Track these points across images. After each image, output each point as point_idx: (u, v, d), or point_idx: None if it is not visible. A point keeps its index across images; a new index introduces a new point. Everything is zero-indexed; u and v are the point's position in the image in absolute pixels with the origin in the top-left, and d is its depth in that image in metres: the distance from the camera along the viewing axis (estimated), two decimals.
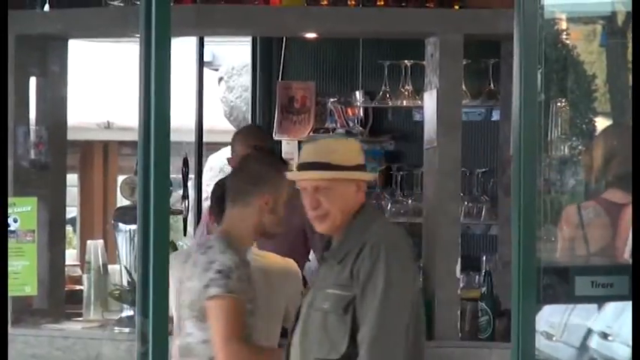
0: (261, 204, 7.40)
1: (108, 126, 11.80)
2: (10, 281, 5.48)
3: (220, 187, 7.93)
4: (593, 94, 6.82)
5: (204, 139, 11.24)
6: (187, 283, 7.61)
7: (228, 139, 9.55)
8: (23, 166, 7.30)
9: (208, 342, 7.55)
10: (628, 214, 6.52)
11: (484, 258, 7.79)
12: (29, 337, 6.98)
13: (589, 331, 6.20)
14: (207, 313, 7.46)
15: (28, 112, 7.72)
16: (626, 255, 6.37)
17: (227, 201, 7.47)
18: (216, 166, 10.89)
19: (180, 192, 8.76)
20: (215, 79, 12.87)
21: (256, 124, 10.11)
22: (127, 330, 6.47)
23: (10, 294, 6.25)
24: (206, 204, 9.04)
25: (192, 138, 10.41)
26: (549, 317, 5.93)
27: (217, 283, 7.30)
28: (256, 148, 8.24)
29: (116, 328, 6.97)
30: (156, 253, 5.18)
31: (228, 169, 8.33)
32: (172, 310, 7.27)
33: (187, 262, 7.62)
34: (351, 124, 9.96)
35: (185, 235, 8.92)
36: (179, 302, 7.52)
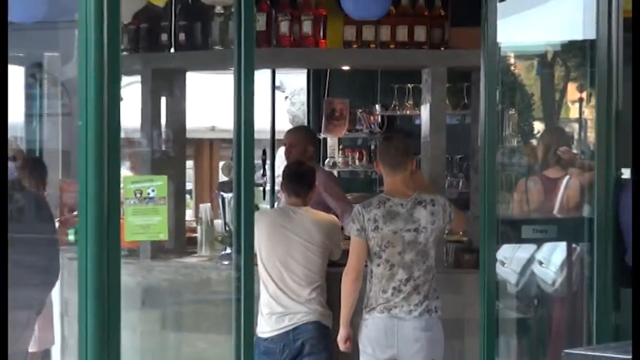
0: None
1: (213, 129, 11.60)
2: (149, 231, 5.38)
3: (286, 170, 7.50)
4: (532, 106, 6.80)
5: (276, 137, 11.10)
6: None
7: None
8: (157, 156, 7.23)
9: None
10: (557, 185, 6.91)
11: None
12: (162, 267, 6.91)
13: (528, 261, 6.19)
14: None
15: (160, 120, 7.61)
16: (555, 211, 6.26)
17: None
18: (283, 155, 10.82)
19: (261, 172, 8.58)
20: (282, 98, 12.71)
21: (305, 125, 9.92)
22: (226, 262, 6.37)
23: (148, 239, 6.11)
24: (278, 180, 8.86)
25: (268, 136, 10.25)
26: (503, 252, 5.86)
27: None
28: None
29: (219, 261, 6.88)
30: (245, 211, 5.48)
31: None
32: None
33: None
34: (372, 127, 9.82)
35: (264, 199, 8.76)
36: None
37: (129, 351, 5.43)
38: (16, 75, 9.39)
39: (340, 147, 10.34)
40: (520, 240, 6.33)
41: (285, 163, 8.53)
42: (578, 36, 6.04)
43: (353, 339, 6.49)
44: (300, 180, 7.20)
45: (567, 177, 6.42)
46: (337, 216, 7.34)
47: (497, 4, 5.72)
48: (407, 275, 6.32)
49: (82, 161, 5.14)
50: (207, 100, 8.89)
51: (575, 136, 6.70)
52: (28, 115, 9.31)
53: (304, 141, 8.16)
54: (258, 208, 6.14)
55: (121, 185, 5.25)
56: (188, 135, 8.57)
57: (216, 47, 7.22)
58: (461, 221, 6.69)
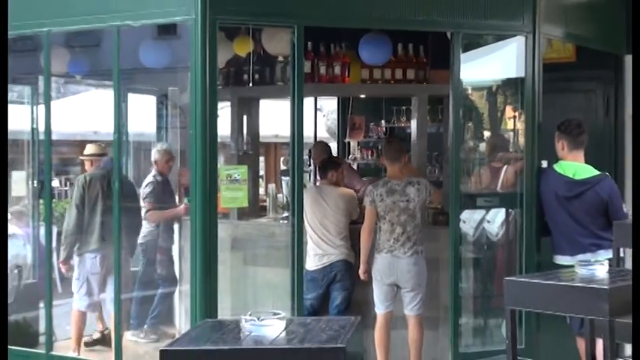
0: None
1: (276, 136, 11.52)
2: (235, 201, 5.41)
3: (325, 162, 7.43)
4: (482, 121, 6.71)
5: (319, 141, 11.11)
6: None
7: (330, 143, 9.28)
8: (241, 153, 7.29)
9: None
10: (499, 172, 6.67)
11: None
12: (244, 224, 6.85)
13: (481, 220, 6.15)
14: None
15: (243, 131, 7.62)
16: (498, 189, 6.54)
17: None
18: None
19: (307, 164, 8.55)
20: (321, 116, 12.65)
21: (324, 141, 9.92)
22: (285, 221, 6.39)
23: (235, 206, 6.12)
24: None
25: (312, 141, 10.21)
26: (464, 215, 5.87)
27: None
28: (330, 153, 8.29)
29: (281, 220, 6.91)
30: (297, 189, 5.50)
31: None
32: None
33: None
34: (379, 134, 9.71)
35: (309, 181, 8.73)
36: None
37: (223, 279, 5.47)
38: (151, 102, 9.40)
39: (359, 147, 10.29)
40: (475, 207, 6.24)
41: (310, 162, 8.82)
42: (513, 75, 6.00)
43: (368, 271, 6.52)
44: (330, 168, 7.16)
45: (506, 166, 6.41)
46: (357, 191, 7.40)
47: (461, 55, 5.62)
48: (402, 230, 6.36)
49: (193, 156, 5.19)
50: (273, 117, 8.91)
51: (511, 140, 6.67)
52: (159, 128, 9.27)
53: (320, 150, 8.23)
54: (305, 187, 6.19)
55: (218, 171, 5.29)
56: (260, 140, 8.58)
57: (279, 83, 7.23)
58: (438, 196, 6.67)
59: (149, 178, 7.70)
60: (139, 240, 7.63)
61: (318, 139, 10.77)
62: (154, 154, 7.81)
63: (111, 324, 6.78)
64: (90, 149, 7.36)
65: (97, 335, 7.07)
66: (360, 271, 6.52)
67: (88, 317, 7.06)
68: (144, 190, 7.58)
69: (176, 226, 7.52)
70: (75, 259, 6.97)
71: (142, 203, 7.67)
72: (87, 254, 6.88)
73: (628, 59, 6.76)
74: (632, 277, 3.13)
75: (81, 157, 7.35)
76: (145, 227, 7.62)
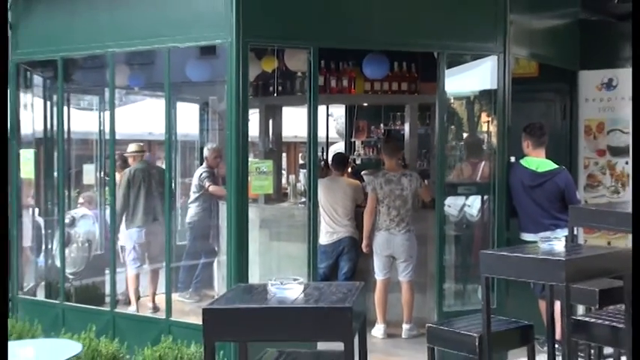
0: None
1: (295, 137, 11.47)
2: (263, 189, 5.39)
3: (335, 157, 7.46)
4: (462, 125, 6.64)
5: (330, 141, 11.00)
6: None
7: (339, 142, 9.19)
8: (267, 150, 7.25)
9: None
10: (477, 166, 6.52)
11: (426, 181, 7.52)
12: (269, 207, 6.86)
13: (462, 205, 6.05)
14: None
15: (269, 132, 7.60)
16: (477, 179, 6.39)
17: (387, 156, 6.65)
18: (332, 151, 10.73)
19: (322, 159, 8.51)
20: (332, 120, 12.60)
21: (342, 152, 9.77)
22: (303, 205, 6.34)
23: (263, 193, 6.10)
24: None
25: (324, 140, 10.19)
26: (448, 200, 5.95)
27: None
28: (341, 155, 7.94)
29: (300, 204, 6.91)
30: (312, 179, 5.43)
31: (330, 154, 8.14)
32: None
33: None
34: (379, 135, 9.65)
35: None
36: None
37: (252, 252, 5.45)
38: (195, 109, 9.35)
39: (362, 145, 10.22)
40: (457, 194, 6.12)
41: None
42: (487, 87, 5.90)
43: (370, 245, 6.49)
44: (340, 163, 7.21)
45: (483, 162, 6.37)
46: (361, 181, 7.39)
47: (445, 70, 5.56)
48: (397, 212, 6.37)
49: (228, 153, 5.16)
50: (293, 121, 8.87)
51: (485, 140, 6.60)
52: (201, 130, 9.23)
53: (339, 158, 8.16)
54: (320, 177, 6.19)
55: (248, 165, 5.21)
56: (283, 140, 8.52)
57: (298, 93, 7.20)
58: (427, 193, 6.55)
59: (201, 169, 7.65)
60: (187, 220, 7.67)
61: (330, 143, 10.77)
62: (205, 152, 7.73)
63: (154, 285, 6.94)
64: (131, 148, 7.31)
65: (147, 295, 7.05)
66: (363, 245, 6.50)
67: (141, 279, 7.08)
68: (200, 177, 7.56)
69: (215, 209, 7.46)
70: (125, 233, 7.04)
71: (193, 189, 7.67)
72: (134, 229, 6.97)
73: (581, 74, 6.69)
74: (632, 275, 3.01)
75: (125, 154, 7.34)
76: (192, 210, 7.60)
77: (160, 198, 6.82)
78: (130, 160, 7.30)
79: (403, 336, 6.30)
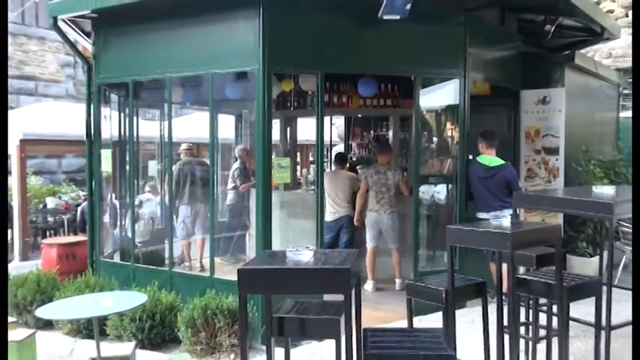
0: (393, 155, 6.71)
1: (307, 140, 11.43)
2: (282, 179, 5.36)
3: (337, 156, 7.34)
4: (432, 132, 6.56)
5: (332, 143, 10.90)
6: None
7: (339, 144, 9.02)
8: (285, 150, 7.17)
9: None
10: (443, 162, 6.74)
11: (405, 174, 7.39)
12: (287, 193, 6.82)
13: (433, 192, 6.01)
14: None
15: (287, 137, 7.52)
16: (444, 172, 6.19)
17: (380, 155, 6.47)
18: (335, 151, 10.63)
19: (327, 158, 8.46)
20: (334, 128, 12.50)
21: (342, 152, 9.60)
22: (312, 192, 6.24)
23: (282, 182, 6.08)
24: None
25: (328, 143, 10.10)
26: (422, 188, 5.83)
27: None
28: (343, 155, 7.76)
29: (310, 191, 6.86)
30: (319, 172, 5.40)
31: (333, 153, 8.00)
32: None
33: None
34: (370, 139, 9.56)
35: (328, 167, 8.63)
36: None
37: (274, 227, 5.36)
38: (231, 120, 9.31)
39: (357, 146, 10.26)
40: (428, 183, 6.17)
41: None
42: (452, 102, 5.87)
43: (361, 221, 6.44)
44: (340, 160, 7.16)
45: (449, 159, 6.33)
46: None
47: (420, 90, 5.53)
48: (382, 196, 6.31)
49: (257, 152, 5.07)
50: (305, 129, 8.82)
51: (450, 143, 6.55)
52: (236, 135, 9.21)
53: (339, 157, 7.63)
54: (325, 170, 6.14)
55: (272, 161, 5.13)
56: (298, 142, 8.48)
57: (309, 108, 7.16)
58: (406, 189, 6.35)
59: (235, 165, 7.57)
60: (227, 202, 7.68)
61: (333, 144, 10.66)
62: (238, 151, 7.68)
63: (201, 250, 6.92)
64: (183, 146, 7.40)
65: (196, 258, 7.04)
66: (355, 220, 6.47)
67: (191, 247, 7.10)
68: (233, 173, 7.55)
69: (247, 195, 7.43)
70: (176, 210, 7.10)
71: (229, 181, 7.66)
72: (183, 206, 6.96)
73: (523, 93, 6.65)
74: (632, 276, 2.84)
75: (178, 151, 7.42)
76: (230, 195, 7.63)
77: (202, 184, 6.84)
78: (182, 155, 7.32)
79: (397, 288, 6.21)
